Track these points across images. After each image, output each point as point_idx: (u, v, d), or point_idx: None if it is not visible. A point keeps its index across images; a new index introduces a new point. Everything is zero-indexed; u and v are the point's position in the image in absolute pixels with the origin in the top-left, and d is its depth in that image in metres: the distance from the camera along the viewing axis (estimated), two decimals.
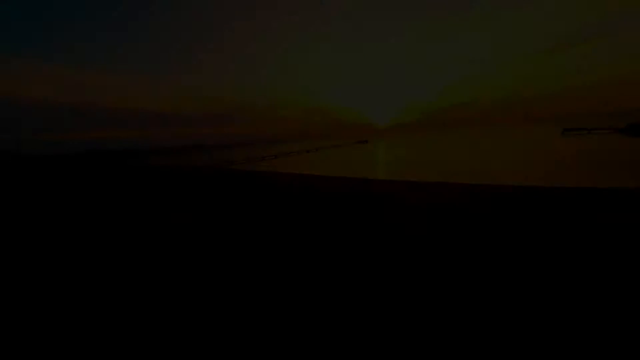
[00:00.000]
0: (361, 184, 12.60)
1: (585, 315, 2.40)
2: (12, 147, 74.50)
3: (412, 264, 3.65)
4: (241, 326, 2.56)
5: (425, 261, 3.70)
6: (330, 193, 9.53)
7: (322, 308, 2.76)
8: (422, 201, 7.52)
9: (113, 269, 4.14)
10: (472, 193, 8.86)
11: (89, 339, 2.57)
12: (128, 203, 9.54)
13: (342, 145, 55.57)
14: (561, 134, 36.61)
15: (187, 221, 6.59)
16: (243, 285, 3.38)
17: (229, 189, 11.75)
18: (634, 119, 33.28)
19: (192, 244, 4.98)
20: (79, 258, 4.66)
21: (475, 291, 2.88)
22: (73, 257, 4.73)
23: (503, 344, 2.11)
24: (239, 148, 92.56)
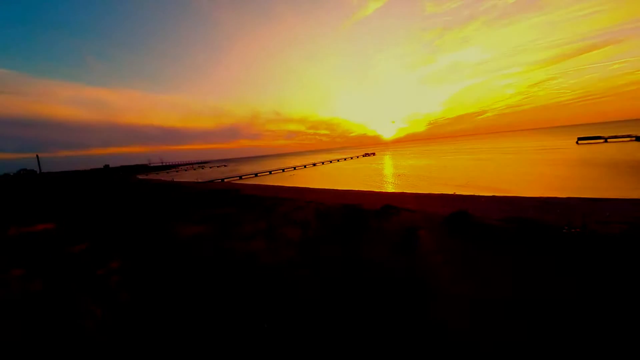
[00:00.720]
0: (367, 197, 12.43)
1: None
2: (35, 164, 78.84)
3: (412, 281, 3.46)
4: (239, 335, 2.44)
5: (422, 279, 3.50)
6: (335, 206, 9.40)
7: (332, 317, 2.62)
8: (427, 213, 7.28)
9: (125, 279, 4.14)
10: (485, 203, 8.53)
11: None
12: (135, 214, 9.73)
13: (349, 158, 55.80)
14: (575, 143, 35.53)
15: (194, 234, 6.61)
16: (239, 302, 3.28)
17: (234, 203, 11.83)
18: None
19: (196, 257, 4.95)
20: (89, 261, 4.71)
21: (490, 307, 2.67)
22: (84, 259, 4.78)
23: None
24: (247, 162, 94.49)
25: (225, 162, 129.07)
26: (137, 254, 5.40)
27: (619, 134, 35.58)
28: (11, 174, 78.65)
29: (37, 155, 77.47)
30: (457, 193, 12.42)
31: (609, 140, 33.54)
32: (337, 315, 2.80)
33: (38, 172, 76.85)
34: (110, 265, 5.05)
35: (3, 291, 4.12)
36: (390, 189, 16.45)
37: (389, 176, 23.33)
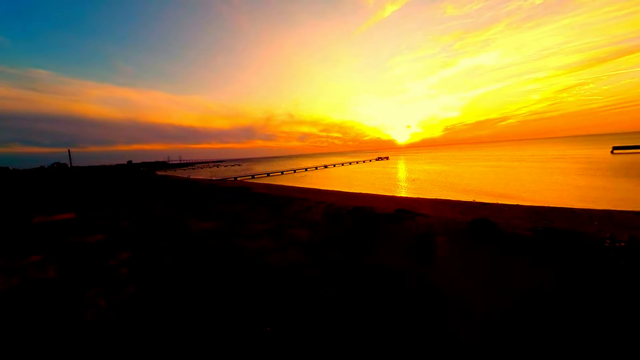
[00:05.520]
0: (379, 200, 11.99)
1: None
2: (66, 158, 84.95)
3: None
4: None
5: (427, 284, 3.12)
6: (346, 207, 9.09)
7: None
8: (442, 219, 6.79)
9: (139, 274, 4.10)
10: (509, 212, 7.88)
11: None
12: (151, 209, 9.93)
13: (362, 161, 55.06)
14: (610, 152, 32.83)
15: (205, 229, 6.57)
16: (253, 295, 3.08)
17: (245, 201, 11.82)
18: None
19: (205, 253, 4.84)
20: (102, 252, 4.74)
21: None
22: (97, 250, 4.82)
23: None
24: (260, 162, 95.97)
25: (239, 161, 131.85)
26: (149, 247, 5.39)
27: None
28: (46, 166, 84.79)
29: (68, 150, 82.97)
30: (477, 200, 11.68)
31: None
32: (343, 321, 2.52)
33: (69, 165, 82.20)
34: (120, 256, 5.06)
35: (20, 275, 4.21)
36: (403, 193, 15.84)
37: (402, 180, 22.59)
